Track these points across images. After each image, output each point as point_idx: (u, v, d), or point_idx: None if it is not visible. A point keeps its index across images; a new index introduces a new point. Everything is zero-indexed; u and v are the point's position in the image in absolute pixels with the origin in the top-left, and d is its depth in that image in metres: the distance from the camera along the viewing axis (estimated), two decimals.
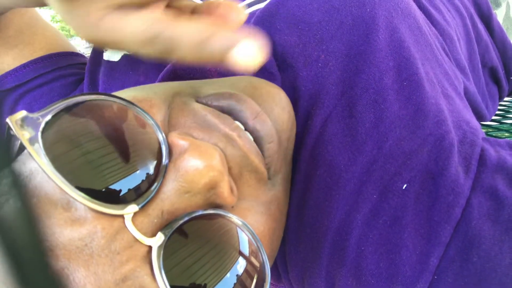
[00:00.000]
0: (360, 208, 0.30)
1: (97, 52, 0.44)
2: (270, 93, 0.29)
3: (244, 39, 0.19)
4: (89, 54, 0.46)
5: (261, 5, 0.37)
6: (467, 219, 0.28)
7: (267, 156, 0.27)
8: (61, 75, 0.46)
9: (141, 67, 0.41)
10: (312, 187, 0.32)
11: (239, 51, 0.19)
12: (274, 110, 0.28)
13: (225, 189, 0.23)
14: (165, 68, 0.36)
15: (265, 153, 0.27)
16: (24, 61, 0.43)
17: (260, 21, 0.35)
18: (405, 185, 0.30)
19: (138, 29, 0.20)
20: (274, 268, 0.37)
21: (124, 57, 0.42)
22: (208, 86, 0.29)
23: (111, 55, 0.43)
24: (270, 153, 0.27)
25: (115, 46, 0.22)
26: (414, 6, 0.37)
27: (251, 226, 0.25)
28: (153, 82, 0.38)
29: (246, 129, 0.27)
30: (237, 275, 0.22)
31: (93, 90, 0.44)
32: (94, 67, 0.44)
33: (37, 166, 0.20)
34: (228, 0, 0.22)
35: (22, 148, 0.22)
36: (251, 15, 0.37)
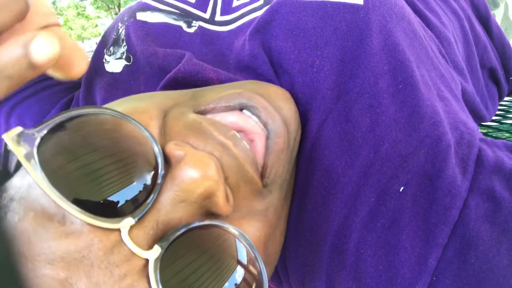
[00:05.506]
0: (358, 212, 0.30)
1: (97, 61, 0.45)
2: (278, 93, 0.30)
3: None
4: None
5: (259, 13, 0.38)
6: (465, 221, 0.28)
7: (271, 152, 0.27)
8: (46, 85, 0.47)
9: (141, 77, 0.41)
10: (310, 192, 0.32)
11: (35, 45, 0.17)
12: (283, 109, 0.29)
13: (220, 199, 0.23)
14: (167, 76, 0.36)
15: (270, 149, 0.27)
16: None
17: (257, 28, 0.35)
18: (402, 188, 0.30)
19: None
20: (274, 273, 0.37)
21: (125, 67, 0.43)
22: (213, 91, 0.29)
23: (114, 67, 0.44)
24: (276, 149, 0.28)
25: None
26: (408, 10, 0.38)
27: (247, 233, 0.25)
28: (153, 90, 0.39)
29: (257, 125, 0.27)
30: (234, 285, 0.22)
31: (88, 97, 0.44)
32: (91, 75, 0.45)
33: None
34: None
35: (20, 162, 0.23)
36: (250, 22, 0.38)
